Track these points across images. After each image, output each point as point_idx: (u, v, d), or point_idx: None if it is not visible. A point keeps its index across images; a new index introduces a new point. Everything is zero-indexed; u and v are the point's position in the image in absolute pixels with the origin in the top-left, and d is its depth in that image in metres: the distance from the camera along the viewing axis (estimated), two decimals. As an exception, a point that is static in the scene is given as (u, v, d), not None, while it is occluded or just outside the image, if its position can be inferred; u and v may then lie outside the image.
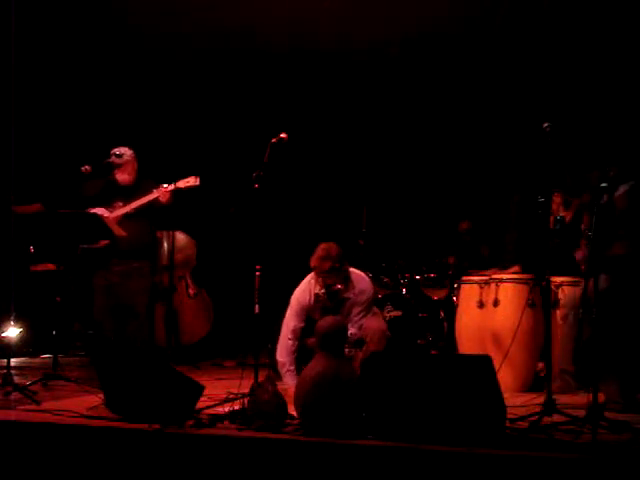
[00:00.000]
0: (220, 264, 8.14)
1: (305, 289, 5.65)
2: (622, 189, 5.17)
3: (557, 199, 6.32)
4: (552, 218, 6.19)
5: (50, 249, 6.38)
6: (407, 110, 7.98)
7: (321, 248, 5.48)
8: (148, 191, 6.36)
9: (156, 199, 6.32)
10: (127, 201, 6.35)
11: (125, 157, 6.48)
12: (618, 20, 7.13)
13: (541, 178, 4.88)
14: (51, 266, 6.60)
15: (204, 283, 7.82)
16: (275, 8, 7.71)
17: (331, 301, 5.51)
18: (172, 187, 6.35)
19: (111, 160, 6.42)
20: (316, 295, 5.56)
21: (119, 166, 6.44)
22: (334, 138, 8.22)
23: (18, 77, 7.37)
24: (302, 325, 5.60)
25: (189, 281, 7.68)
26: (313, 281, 5.60)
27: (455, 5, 7.61)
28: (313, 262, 5.48)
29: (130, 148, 6.53)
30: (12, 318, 6.10)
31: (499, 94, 7.61)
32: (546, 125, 4.66)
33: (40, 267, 6.88)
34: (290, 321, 5.62)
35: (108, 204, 6.36)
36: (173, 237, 7.34)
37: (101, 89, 8.34)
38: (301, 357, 5.44)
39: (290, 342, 5.55)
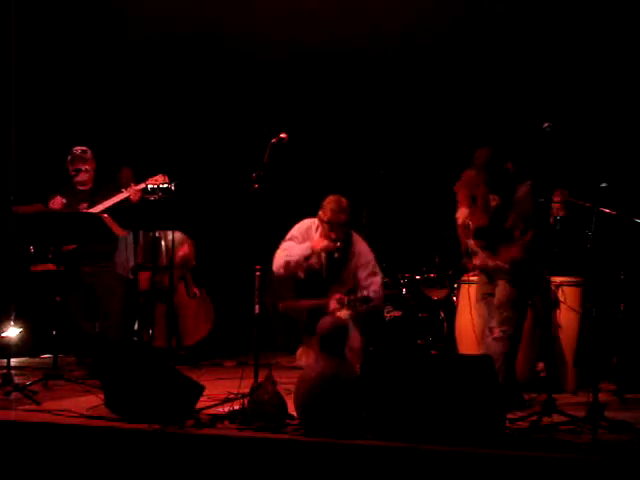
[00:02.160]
0: (220, 264, 8.14)
1: (308, 228, 5.69)
2: (522, 190, 5.02)
3: (556, 199, 6.30)
4: (552, 219, 6.20)
5: (50, 249, 6.39)
6: (407, 111, 7.97)
7: (333, 201, 5.52)
8: (115, 190, 6.39)
9: (127, 198, 6.35)
10: (91, 202, 6.36)
11: (89, 154, 6.53)
12: (618, 20, 7.14)
13: (541, 178, 4.89)
14: (51, 266, 6.60)
15: (204, 283, 7.81)
16: (275, 8, 7.71)
17: (329, 260, 5.54)
18: (142, 186, 6.44)
19: (78, 154, 6.46)
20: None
21: (85, 161, 6.48)
22: (334, 139, 8.21)
23: (18, 77, 7.36)
24: None
25: (189, 281, 7.67)
26: (314, 227, 5.65)
27: (455, 3, 7.62)
28: (328, 215, 5.48)
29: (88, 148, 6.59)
30: (12, 318, 6.09)
31: (499, 94, 7.60)
32: (546, 125, 4.66)
33: (40, 267, 6.87)
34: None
35: (73, 207, 6.37)
36: (172, 237, 7.33)
37: (101, 89, 8.33)
38: (286, 326, 5.50)
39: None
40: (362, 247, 5.70)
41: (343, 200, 5.56)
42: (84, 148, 6.57)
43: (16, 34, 7.28)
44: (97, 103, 8.33)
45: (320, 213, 5.54)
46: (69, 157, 6.55)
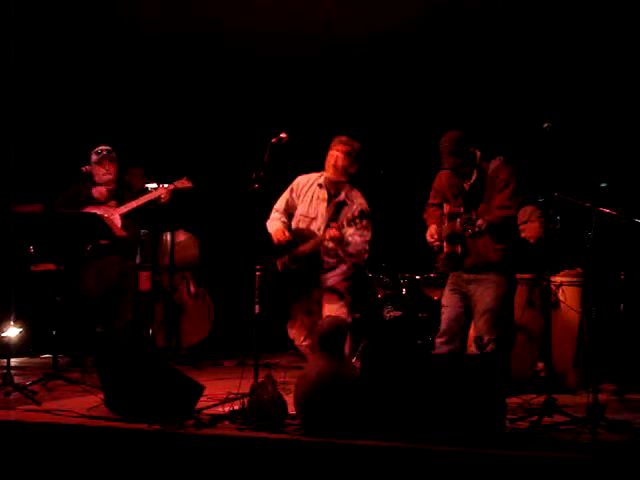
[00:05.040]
0: (220, 264, 8.14)
1: (310, 182, 5.70)
2: (494, 163, 5.11)
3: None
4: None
5: (50, 249, 6.39)
6: (407, 110, 7.97)
7: (342, 141, 5.63)
8: (143, 190, 6.41)
9: (158, 198, 6.37)
10: (120, 201, 6.36)
11: (114, 154, 6.54)
12: (617, 20, 7.14)
13: (541, 179, 4.90)
14: (51, 266, 6.60)
15: (205, 283, 7.82)
16: (275, 9, 7.72)
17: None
18: (172, 187, 6.46)
19: (106, 154, 6.45)
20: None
21: (112, 161, 6.50)
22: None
23: (18, 77, 7.37)
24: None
25: (191, 281, 7.68)
26: (317, 186, 5.66)
27: (455, 3, 7.62)
28: (330, 172, 5.54)
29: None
30: (12, 318, 6.09)
31: (499, 94, 7.60)
32: (546, 125, 4.67)
33: (40, 267, 6.88)
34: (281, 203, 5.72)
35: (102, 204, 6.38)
36: (172, 237, 7.33)
37: (101, 89, 8.33)
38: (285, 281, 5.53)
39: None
40: (359, 199, 5.66)
41: (355, 142, 5.65)
42: (109, 148, 6.54)
43: (18, 35, 7.28)
44: (97, 103, 8.33)
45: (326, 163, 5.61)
46: (95, 157, 6.51)
